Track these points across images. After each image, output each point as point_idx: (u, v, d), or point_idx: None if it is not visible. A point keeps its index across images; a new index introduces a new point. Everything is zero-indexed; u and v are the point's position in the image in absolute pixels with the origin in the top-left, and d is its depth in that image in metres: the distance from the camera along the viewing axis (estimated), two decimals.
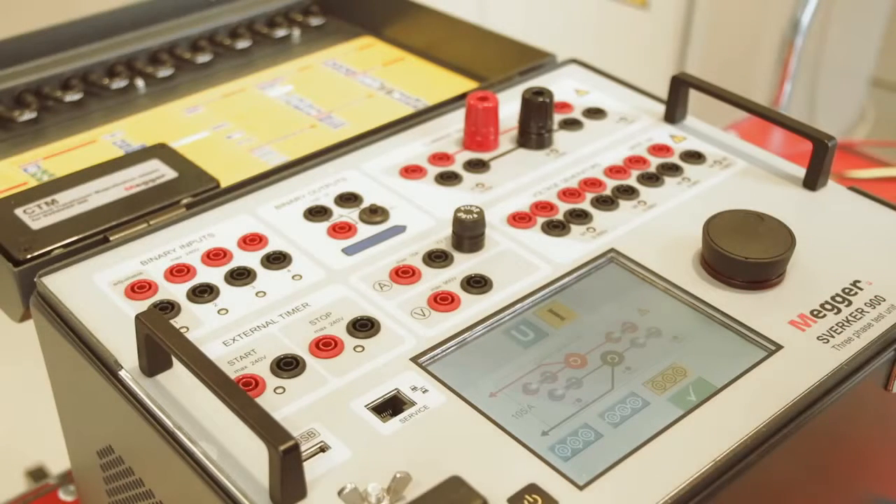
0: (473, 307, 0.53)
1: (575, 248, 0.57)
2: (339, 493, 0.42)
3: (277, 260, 0.56)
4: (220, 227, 0.59)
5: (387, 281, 0.55)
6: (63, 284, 0.54)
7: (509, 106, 0.68)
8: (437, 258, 0.56)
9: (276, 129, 0.72)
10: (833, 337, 0.51)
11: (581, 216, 0.60)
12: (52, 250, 0.57)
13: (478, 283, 0.54)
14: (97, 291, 0.54)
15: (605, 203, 0.61)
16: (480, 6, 1.64)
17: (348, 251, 0.57)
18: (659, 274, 0.56)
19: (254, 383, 0.48)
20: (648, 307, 0.54)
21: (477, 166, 0.64)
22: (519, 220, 0.59)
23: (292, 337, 0.51)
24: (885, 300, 0.54)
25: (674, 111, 0.69)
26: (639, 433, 0.46)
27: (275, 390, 0.48)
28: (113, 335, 0.51)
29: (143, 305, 0.53)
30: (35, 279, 0.55)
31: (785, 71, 1.44)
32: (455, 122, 0.68)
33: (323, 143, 0.66)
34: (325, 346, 0.50)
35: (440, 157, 0.65)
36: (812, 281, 0.55)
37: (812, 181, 0.62)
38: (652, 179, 0.63)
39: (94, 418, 0.55)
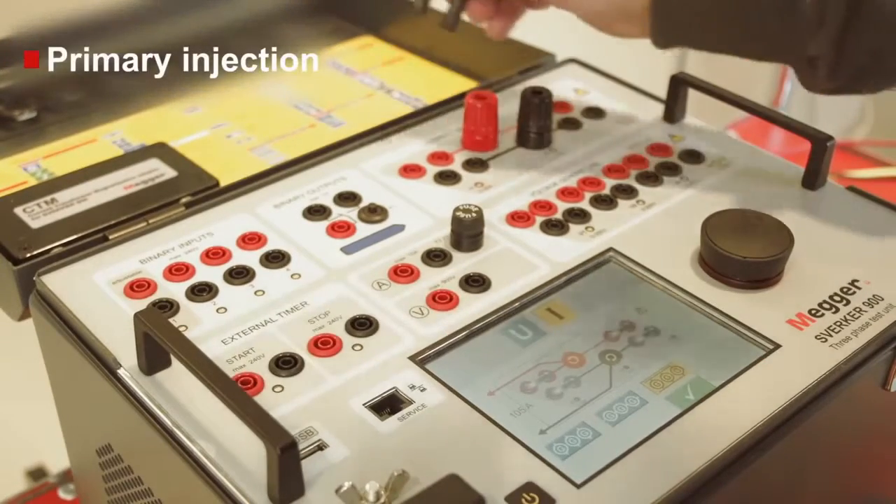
0: (472, 306, 0.53)
1: (573, 247, 0.58)
2: (337, 491, 0.42)
3: (276, 259, 0.56)
4: (219, 226, 0.59)
5: (385, 280, 0.55)
6: (62, 283, 0.54)
7: (508, 105, 0.68)
8: (435, 257, 0.56)
9: (275, 129, 0.72)
10: (831, 336, 0.51)
11: (580, 215, 0.60)
12: (51, 249, 0.57)
13: (476, 282, 0.55)
14: (96, 290, 0.54)
15: (604, 202, 0.61)
16: None
17: (347, 250, 0.57)
18: (657, 273, 0.56)
19: (252, 382, 0.48)
20: (647, 306, 0.54)
21: (476, 166, 0.64)
22: (518, 219, 0.59)
23: (291, 336, 0.51)
24: (883, 299, 0.54)
25: (673, 111, 0.69)
26: (636, 432, 0.46)
27: (273, 389, 0.48)
28: (112, 334, 0.51)
29: (142, 304, 0.53)
30: (34, 278, 0.55)
31: (785, 71, 1.44)
32: (454, 121, 0.68)
33: (322, 143, 0.66)
34: (324, 345, 0.50)
35: (439, 157, 0.65)
36: (810, 280, 0.55)
37: (811, 181, 0.62)
38: (651, 179, 0.63)
39: (93, 417, 0.55)
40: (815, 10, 0.51)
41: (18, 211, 0.60)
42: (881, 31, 0.50)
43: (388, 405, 0.48)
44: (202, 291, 0.54)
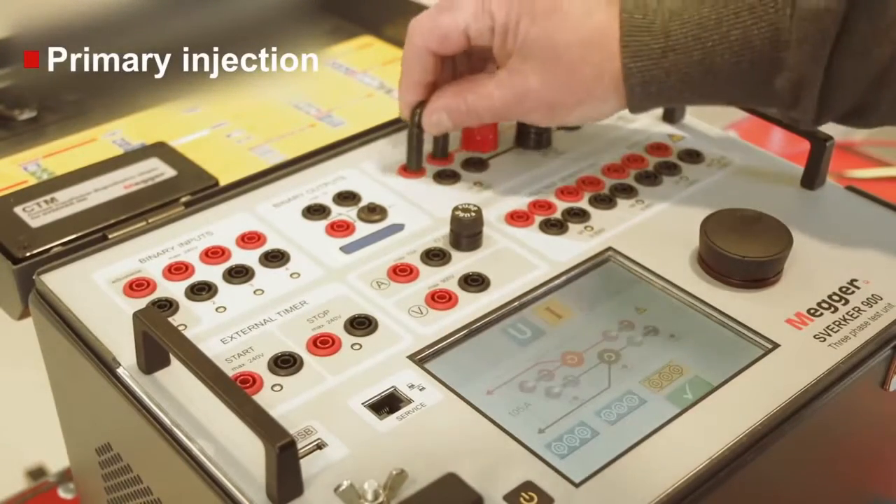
0: (471, 305, 0.53)
1: (572, 246, 0.58)
2: (336, 490, 0.42)
3: (276, 258, 0.56)
4: (219, 225, 0.59)
5: (385, 279, 0.55)
6: (62, 282, 0.54)
7: None
8: (434, 256, 0.56)
9: (275, 128, 0.72)
10: (830, 335, 0.52)
11: (579, 215, 0.60)
12: (50, 248, 0.57)
13: (475, 282, 0.55)
14: (96, 289, 0.54)
15: (603, 202, 0.61)
16: None
17: (346, 249, 0.57)
18: (656, 272, 0.56)
19: (251, 381, 0.48)
20: (646, 305, 0.54)
21: (475, 165, 0.64)
22: (517, 218, 0.59)
23: (290, 335, 0.51)
24: (882, 299, 0.54)
25: (672, 110, 0.69)
26: (635, 431, 0.46)
27: (272, 388, 0.48)
28: (111, 333, 0.51)
29: (142, 303, 0.53)
30: (34, 277, 0.55)
31: None
32: None
33: (322, 142, 0.66)
34: (323, 344, 0.50)
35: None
36: (809, 279, 0.55)
37: (810, 180, 0.62)
38: (650, 178, 0.63)
39: (93, 416, 0.55)
40: (790, 93, 0.52)
41: (18, 210, 0.60)
42: (856, 94, 0.51)
43: (387, 404, 0.48)
44: (201, 291, 0.54)
